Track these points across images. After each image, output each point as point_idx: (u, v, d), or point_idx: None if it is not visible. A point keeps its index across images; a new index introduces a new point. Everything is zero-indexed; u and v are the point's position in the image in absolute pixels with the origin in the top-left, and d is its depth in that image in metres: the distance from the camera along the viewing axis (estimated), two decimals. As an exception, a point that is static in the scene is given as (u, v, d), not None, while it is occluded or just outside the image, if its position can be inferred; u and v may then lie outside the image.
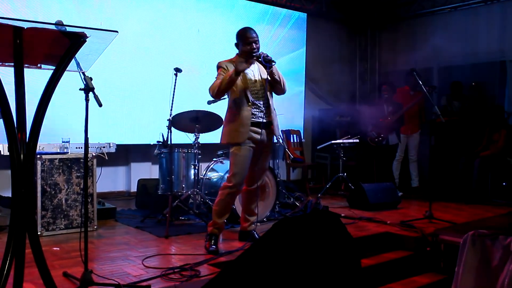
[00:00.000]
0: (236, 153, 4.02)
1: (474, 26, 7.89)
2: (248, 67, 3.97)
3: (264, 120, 4.07)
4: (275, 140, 5.01)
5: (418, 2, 8.44)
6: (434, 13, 8.28)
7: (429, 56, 8.12)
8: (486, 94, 7.79)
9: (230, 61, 4.05)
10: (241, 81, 3.98)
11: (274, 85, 4.09)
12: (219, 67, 4.04)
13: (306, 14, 8.37)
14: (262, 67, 4.09)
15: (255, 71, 4.10)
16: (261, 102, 4.05)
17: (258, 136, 4.01)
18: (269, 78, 4.01)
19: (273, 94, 4.20)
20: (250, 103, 3.98)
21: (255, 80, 4.05)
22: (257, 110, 4.03)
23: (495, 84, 7.80)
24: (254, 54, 3.96)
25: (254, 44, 3.98)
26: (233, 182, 4.03)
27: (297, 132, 8.10)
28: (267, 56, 3.93)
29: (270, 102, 4.10)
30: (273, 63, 3.93)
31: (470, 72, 8.00)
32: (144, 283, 3.16)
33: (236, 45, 4.09)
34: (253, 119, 4.01)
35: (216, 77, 4.02)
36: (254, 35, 4.01)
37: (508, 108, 7.50)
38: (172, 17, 6.80)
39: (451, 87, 7.54)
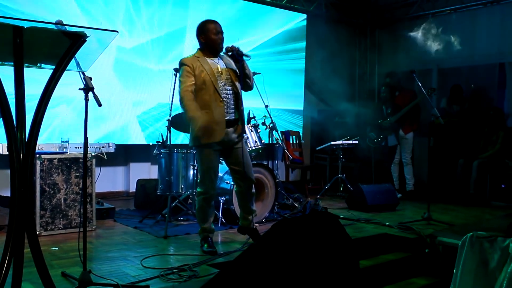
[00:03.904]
0: (202, 158, 3.92)
1: (473, 28, 7.90)
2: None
3: (232, 118, 3.92)
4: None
5: (418, 4, 8.45)
6: (434, 15, 8.29)
7: (429, 58, 8.13)
8: (485, 96, 7.80)
9: (194, 57, 3.89)
10: (210, 76, 3.81)
11: (243, 80, 3.94)
12: (182, 64, 3.85)
13: (305, 15, 8.37)
14: (227, 59, 3.97)
15: (220, 62, 3.95)
16: (231, 97, 3.90)
17: (225, 138, 3.90)
18: (238, 71, 3.89)
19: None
20: (221, 99, 3.83)
21: (221, 73, 3.89)
22: (227, 106, 3.87)
23: (494, 86, 7.81)
24: (225, 48, 3.88)
25: (220, 34, 3.89)
26: (203, 188, 3.95)
27: (296, 133, 8.10)
28: (239, 50, 3.86)
29: (241, 99, 3.93)
30: (248, 58, 3.88)
31: (469, 74, 8.01)
32: (143, 283, 3.16)
33: (201, 37, 3.93)
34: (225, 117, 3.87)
35: (180, 78, 3.84)
36: (219, 25, 3.92)
37: (507, 110, 7.51)
38: (172, 16, 6.80)
39: (451, 91, 7.55)
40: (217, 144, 3.90)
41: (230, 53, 3.90)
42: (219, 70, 3.90)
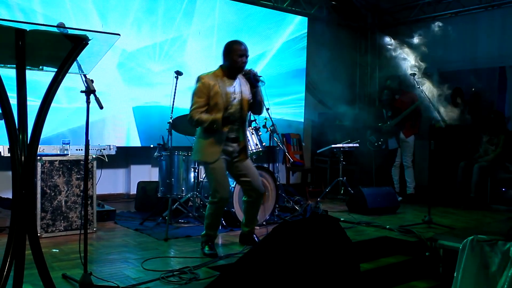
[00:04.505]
0: (211, 168, 3.94)
1: (474, 31, 7.91)
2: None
3: (235, 136, 4.02)
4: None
5: (419, 7, 8.46)
6: (435, 18, 8.29)
7: (429, 61, 8.13)
8: (486, 100, 7.80)
9: (214, 75, 3.94)
10: (222, 99, 3.88)
11: (254, 105, 4.07)
12: (199, 81, 3.90)
13: (306, 18, 8.38)
14: (244, 83, 4.05)
15: (236, 87, 4.01)
16: (236, 119, 3.99)
17: (230, 148, 4.00)
18: (250, 99, 4.02)
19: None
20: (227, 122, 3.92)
21: (235, 98, 3.97)
22: (230, 126, 3.97)
23: (494, 89, 7.81)
24: (244, 70, 3.96)
25: (244, 58, 3.95)
26: (218, 197, 3.96)
27: (297, 136, 8.11)
28: (257, 74, 3.94)
29: (246, 122, 4.09)
30: (263, 83, 3.98)
31: (470, 77, 8.01)
32: (144, 286, 3.16)
33: (224, 56, 3.99)
34: (227, 135, 3.96)
35: (194, 95, 3.89)
36: (245, 48, 3.97)
37: (508, 114, 7.51)
38: (173, 19, 6.82)
39: (452, 93, 7.55)
40: (225, 154, 3.97)
41: (247, 76, 3.98)
42: (234, 96, 3.96)
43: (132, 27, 6.49)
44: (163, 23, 6.74)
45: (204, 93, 3.85)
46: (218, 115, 3.83)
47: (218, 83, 3.89)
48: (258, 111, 4.15)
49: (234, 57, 3.92)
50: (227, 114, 3.86)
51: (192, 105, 3.88)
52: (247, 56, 3.97)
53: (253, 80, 3.95)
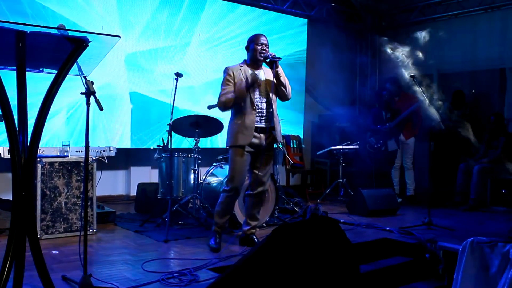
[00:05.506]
0: (234, 157, 4.09)
1: (474, 33, 7.92)
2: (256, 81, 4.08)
3: (264, 125, 4.12)
4: (276, 146, 5.01)
5: (419, 9, 8.47)
6: (435, 20, 8.31)
7: (429, 63, 8.14)
8: (486, 102, 7.80)
9: (238, 66, 4.16)
10: (247, 84, 4.06)
11: (279, 88, 4.16)
12: (225, 71, 4.13)
13: (307, 19, 8.40)
14: (267, 72, 4.20)
15: (261, 76, 4.19)
16: (264, 107, 4.12)
17: (256, 140, 4.09)
18: (275, 81, 4.08)
19: (277, 99, 4.29)
20: (254, 107, 4.06)
21: (260, 84, 4.13)
22: (259, 114, 4.11)
23: (494, 91, 7.81)
24: (263, 55, 4.10)
25: (264, 46, 4.14)
26: (230, 185, 4.12)
27: (297, 138, 8.11)
28: (275, 55, 4.08)
29: (274, 107, 4.16)
30: (280, 59, 4.09)
31: (470, 79, 8.02)
32: None
33: (247, 48, 4.24)
34: (256, 124, 4.08)
35: (222, 85, 4.11)
36: (265, 39, 4.20)
37: (508, 115, 7.51)
38: (173, 21, 6.82)
39: (453, 96, 7.56)
40: (249, 146, 4.08)
41: (268, 60, 4.10)
42: (258, 81, 4.13)
43: (135, 29, 6.50)
44: (164, 25, 6.75)
45: (230, 81, 4.08)
46: (234, 91, 4.03)
47: (242, 71, 4.11)
48: (284, 94, 4.22)
49: (255, 45, 4.15)
50: (251, 81, 4.01)
51: (220, 93, 4.11)
52: (267, 45, 4.17)
53: (272, 59, 4.06)
